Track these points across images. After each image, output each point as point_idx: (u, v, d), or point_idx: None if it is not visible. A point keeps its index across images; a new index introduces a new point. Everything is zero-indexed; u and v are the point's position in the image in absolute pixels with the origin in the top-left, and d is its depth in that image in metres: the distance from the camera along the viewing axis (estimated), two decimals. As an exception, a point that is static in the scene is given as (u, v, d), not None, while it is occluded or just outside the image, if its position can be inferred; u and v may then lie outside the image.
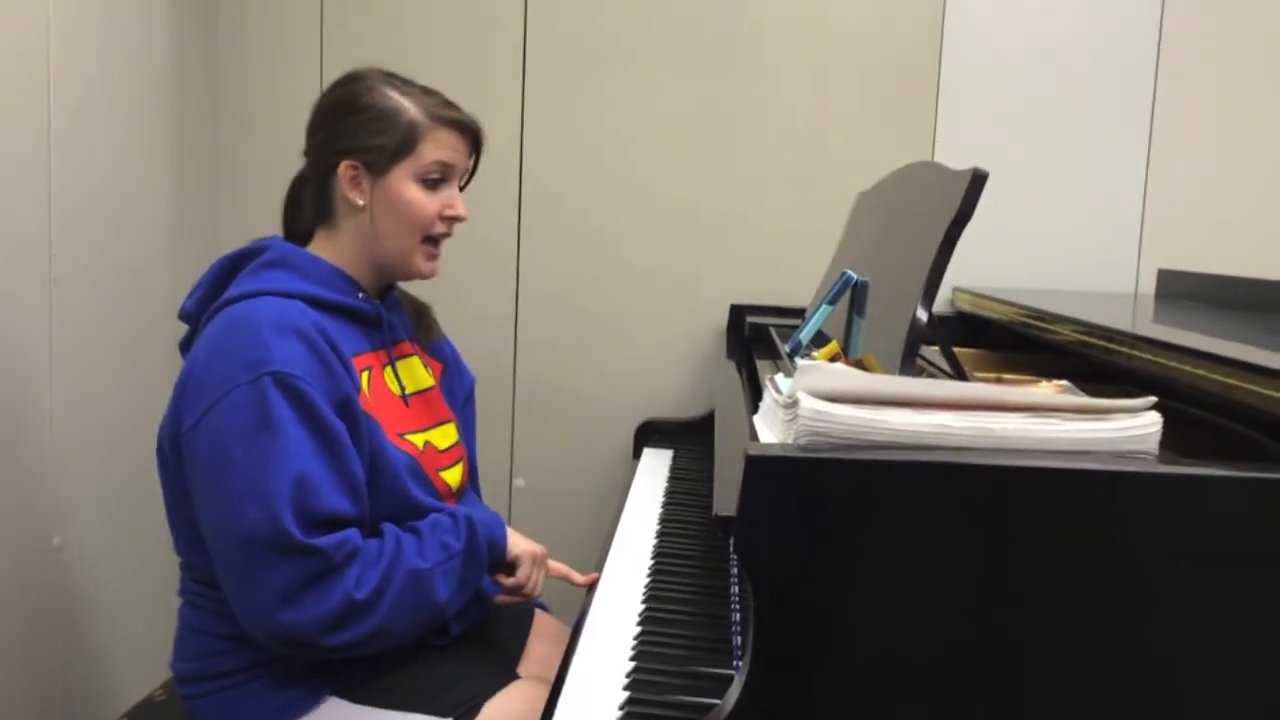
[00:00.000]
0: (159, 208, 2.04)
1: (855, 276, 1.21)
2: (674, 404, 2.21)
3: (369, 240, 1.36)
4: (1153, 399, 0.85)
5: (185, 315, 1.37)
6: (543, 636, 1.52)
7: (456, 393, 1.57)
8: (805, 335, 1.25)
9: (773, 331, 1.79)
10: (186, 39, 2.12)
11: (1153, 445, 0.83)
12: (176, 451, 1.26)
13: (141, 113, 1.98)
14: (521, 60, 2.21)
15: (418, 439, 1.39)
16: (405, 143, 1.32)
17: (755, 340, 2.00)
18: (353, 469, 1.23)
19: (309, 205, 1.39)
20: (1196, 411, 1.08)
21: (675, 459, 2.00)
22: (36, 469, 1.69)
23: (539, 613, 1.58)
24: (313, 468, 1.19)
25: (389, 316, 1.41)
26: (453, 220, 1.38)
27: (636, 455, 2.08)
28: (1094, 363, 1.26)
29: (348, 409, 1.26)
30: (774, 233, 2.19)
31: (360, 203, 1.34)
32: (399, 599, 1.21)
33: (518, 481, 2.27)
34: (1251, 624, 0.79)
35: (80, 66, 1.75)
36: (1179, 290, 1.97)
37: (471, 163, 1.42)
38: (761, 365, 1.56)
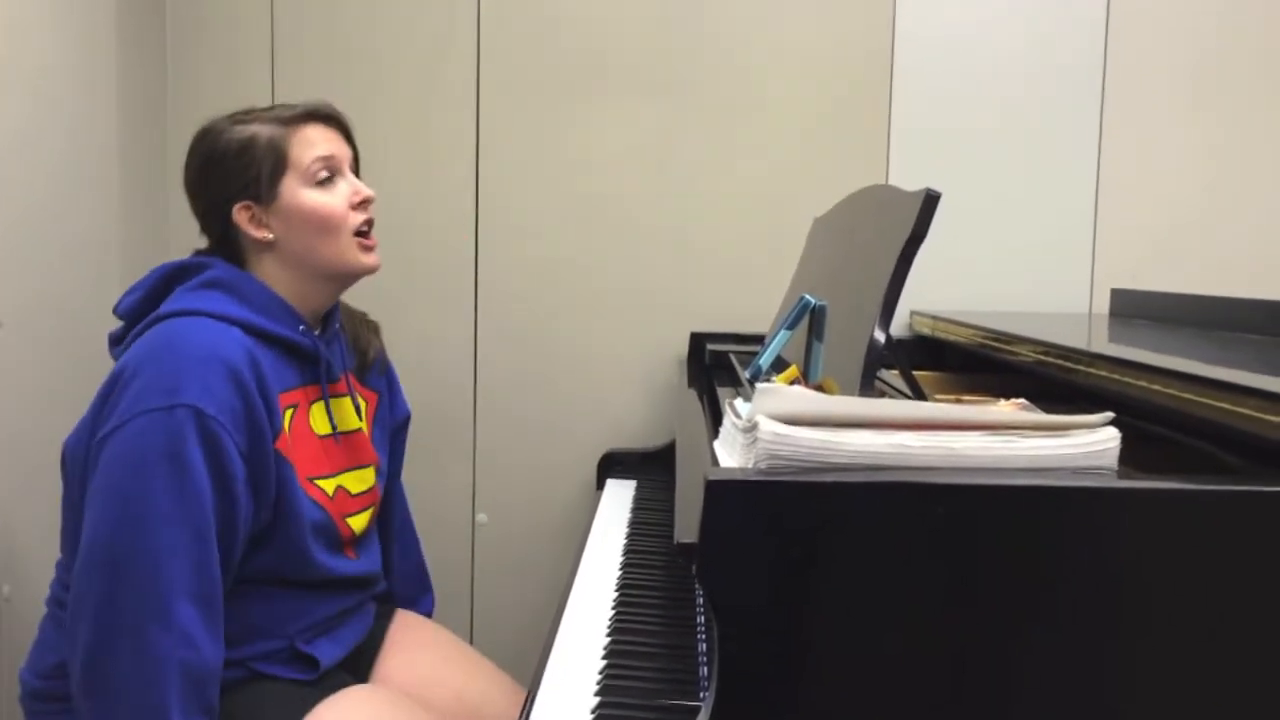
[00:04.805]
0: (106, 245, 2.01)
1: (813, 301, 1.21)
2: (637, 434, 2.20)
3: (297, 264, 1.34)
4: (1110, 415, 0.85)
5: (119, 314, 1.34)
6: (405, 640, 1.50)
7: (387, 424, 1.55)
8: (765, 361, 1.24)
9: (733, 358, 1.79)
10: (134, 67, 2.10)
11: (1111, 460, 0.83)
12: (85, 459, 1.23)
13: (88, 147, 1.95)
14: (475, 90, 2.20)
15: (329, 484, 1.36)
16: (276, 159, 1.32)
17: (716, 367, 2.00)
18: (236, 529, 1.22)
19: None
20: (1153, 427, 1.08)
21: (639, 490, 1.98)
22: (-19, 516, 1.64)
23: (401, 613, 1.55)
24: (188, 547, 1.16)
25: (327, 354, 1.38)
26: (364, 204, 1.36)
27: (600, 486, 2.07)
28: (1052, 382, 1.27)
29: (258, 451, 1.23)
30: (732, 260, 2.19)
31: (269, 236, 1.33)
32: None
33: (480, 517, 2.24)
34: (1214, 634, 0.79)
35: (19, 97, 1.72)
36: (1132, 309, 1.99)
37: (350, 147, 1.40)
38: (722, 392, 1.55)
